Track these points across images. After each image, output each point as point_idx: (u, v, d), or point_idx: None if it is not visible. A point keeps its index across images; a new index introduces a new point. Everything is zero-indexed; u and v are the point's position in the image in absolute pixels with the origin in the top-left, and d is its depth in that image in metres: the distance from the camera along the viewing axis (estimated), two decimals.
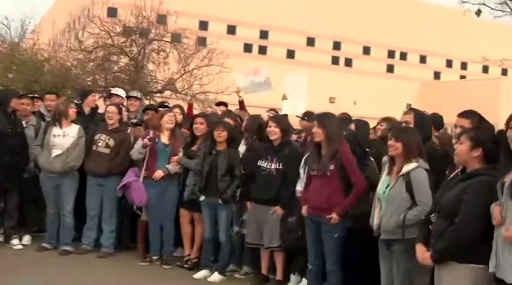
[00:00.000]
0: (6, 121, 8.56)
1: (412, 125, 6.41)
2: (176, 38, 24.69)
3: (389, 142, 5.72)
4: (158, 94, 22.65)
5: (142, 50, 22.75)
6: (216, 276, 7.65)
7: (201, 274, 7.77)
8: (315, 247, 6.64)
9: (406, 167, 5.56)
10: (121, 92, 10.08)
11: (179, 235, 8.45)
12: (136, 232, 8.70)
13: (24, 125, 8.86)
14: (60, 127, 8.51)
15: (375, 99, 47.39)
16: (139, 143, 8.21)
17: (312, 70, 34.50)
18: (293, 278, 7.38)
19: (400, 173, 5.59)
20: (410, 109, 7.25)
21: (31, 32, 31.54)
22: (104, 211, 8.62)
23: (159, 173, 8.15)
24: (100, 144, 8.58)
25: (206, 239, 7.90)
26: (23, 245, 8.80)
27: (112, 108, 8.77)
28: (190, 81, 23.11)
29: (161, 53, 23.40)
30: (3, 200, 8.76)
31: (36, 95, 10.27)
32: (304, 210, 6.69)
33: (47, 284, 7.15)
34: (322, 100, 39.02)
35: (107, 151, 8.56)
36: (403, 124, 6.63)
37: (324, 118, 6.64)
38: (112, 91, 10.20)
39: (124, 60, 22.85)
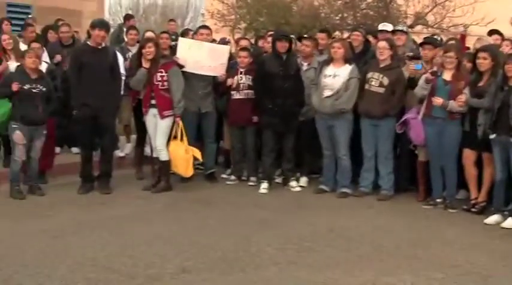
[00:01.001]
0: (277, 64, 8.52)
1: None
2: None
3: None
4: (409, 30, 21.71)
5: None
6: (510, 222, 7.02)
7: (492, 219, 7.19)
8: None
9: None
10: (388, 27, 9.59)
11: (461, 177, 7.90)
12: (414, 173, 8.33)
13: (305, 68, 8.76)
14: (332, 67, 8.26)
15: None
16: (422, 79, 7.69)
17: None
18: None
19: None
20: None
21: None
22: (380, 152, 8.29)
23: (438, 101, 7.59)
24: (373, 83, 8.21)
25: (497, 181, 7.25)
26: (300, 186, 8.85)
27: (383, 43, 8.34)
28: (442, 13, 21.81)
29: None
30: (279, 143, 8.78)
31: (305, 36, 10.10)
32: None
33: (322, 226, 7.01)
34: None
35: (381, 90, 8.16)
36: None
37: None
38: (379, 27, 9.72)
39: None
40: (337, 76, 8.22)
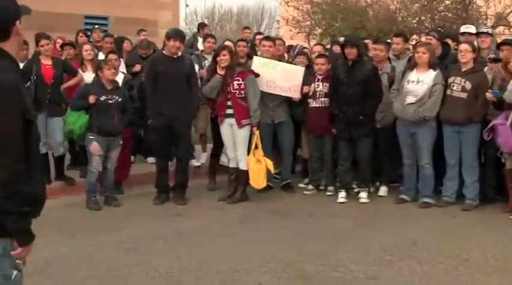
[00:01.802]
0: (344, 70, 8.31)
1: None
2: None
3: None
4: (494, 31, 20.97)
5: None
6: None
7: None
8: None
9: None
10: (471, 29, 9.18)
11: None
12: (500, 182, 7.92)
13: (379, 73, 8.46)
14: (416, 73, 7.95)
15: None
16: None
17: None
18: None
19: None
20: None
21: None
22: (465, 159, 7.92)
23: None
24: (455, 88, 7.86)
25: None
26: (379, 196, 8.58)
27: (465, 46, 7.97)
28: None
29: None
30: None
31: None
32: None
33: (404, 238, 6.68)
34: None
35: (464, 95, 7.80)
36: None
37: None
38: (462, 29, 9.33)
39: None
40: (420, 82, 7.90)
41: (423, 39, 8.94)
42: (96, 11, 13.57)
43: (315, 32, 23.26)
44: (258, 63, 8.66)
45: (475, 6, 21.56)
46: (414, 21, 21.03)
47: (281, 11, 28.58)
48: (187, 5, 32.89)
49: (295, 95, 8.63)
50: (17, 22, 2.93)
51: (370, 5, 22.08)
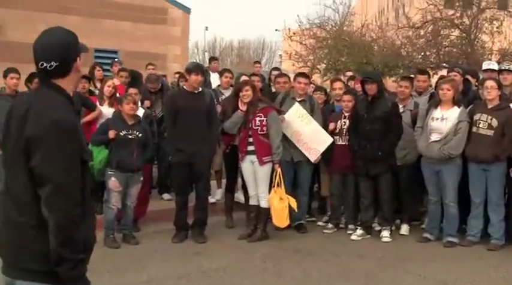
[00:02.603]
0: (364, 106, 8.23)
1: None
2: (503, 5, 22.79)
3: None
4: None
5: (474, 21, 21.24)
6: None
7: None
8: None
9: None
10: (494, 65, 9.12)
11: None
12: None
13: (401, 110, 8.34)
14: (440, 110, 7.83)
15: None
16: None
17: None
18: None
19: None
20: None
21: (351, 14, 31.65)
22: (491, 198, 7.77)
23: None
24: (481, 125, 7.76)
25: None
26: (401, 235, 8.41)
27: (491, 83, 7.87)
28: None
29: (494, 22, 21.62)
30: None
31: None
32: None
33: (433, 280, 6.52)
34: None
35: (490, 132, 7.70)
36: None
37: None
38: (484, 66, 9.25)
39: (455, 33, 21.59)
40: (445, 119, 7.78)
41: (450, 74, 8.76)
42: (106, 44, 13.52)
43: (318, 67, 23.30)
44: (295, 112, 8.48)
45: (480, 42, 21.67)
46: (419, 56, 21.09)
47: (284, 45, 28.72)
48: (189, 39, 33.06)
49: (312, 158, 8.50)
50: (78, 59, 2.82)
51: (375, 39, 22.22)
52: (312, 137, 8.44)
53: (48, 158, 2.63)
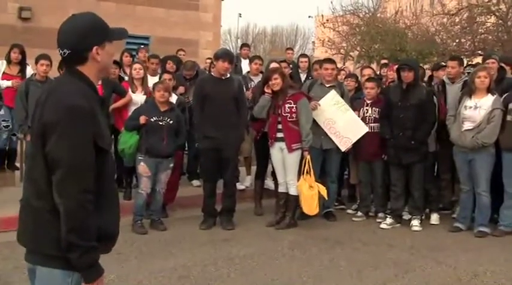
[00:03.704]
0: (398, 94, 8.12)
1: None
2: None
3: None
4: None
5: (511, 7, 20.81)
6: None
7: None
8: None
9: None
10: None
11: None
12: None
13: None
14: (473, 98, 7.70)
15: None
16: None
17: None
18: None
19: None
20: None
21: (385, 1, 31.29)
22: None
23: None
24: None
25: None
26: (431, 224, 8.33)
27: None
28: None
29: None
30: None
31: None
32: None
33: (465, 271, 6.40)
34: None
35: None
36: None
37: None
38: None
39: (491, 20, 21.19)
40: (478, 107, 7.65)
41: (487, 61, 8.56)
42: (138, 30, 13.50)
43: (351, 54, 23.13)
44: (331, 99, 8.39)
45: None
46: (454, 44, 20.76)
47: (317, 32, 28.54)
48: (221, 25, 33.04)
49: (343, 147, 8.41)
50: (95, 48, 2.78)
51: (409, 27, 21.96)
52: (346, 126, 8.35)
53: (60, 143, 2.61)
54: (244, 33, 35.87)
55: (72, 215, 2.59)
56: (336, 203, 9.05)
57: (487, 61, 8.64)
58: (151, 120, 7.62)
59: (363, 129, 8.39)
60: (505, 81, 8.51)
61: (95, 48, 2.78)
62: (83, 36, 2.76)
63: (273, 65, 9.00)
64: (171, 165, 7.83)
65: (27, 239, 2.77)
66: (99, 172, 2.71)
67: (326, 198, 8.13)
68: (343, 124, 8.34)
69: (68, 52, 2.76)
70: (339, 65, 14.53)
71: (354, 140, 8.38)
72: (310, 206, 7.82)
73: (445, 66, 9.03)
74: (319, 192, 7.85)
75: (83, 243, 2.61)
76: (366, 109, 8.43)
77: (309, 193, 7.77)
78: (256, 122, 8.36)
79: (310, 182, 7.82)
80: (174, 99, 8.34)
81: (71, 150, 2.61)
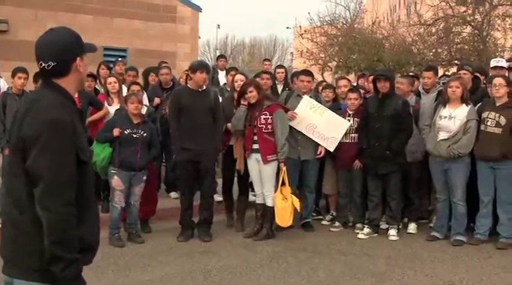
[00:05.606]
0: (374, 104, 8.18)
1: None
2: None
3: None
4: None
5: (486, 18, 21.06)
6: None
7: None
8: None
9: None
10: (502, 62, 9.00)
11: None
12: None
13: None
14: (448, 108, 7.76)
15: None
16: None
17: None
18: None
19: None
20: None
21: (362, 11, 31.51)
22: (500, 197, 7.67)
23: None
24: (489, 123, 7.65)
25: None
26: (408, 233, 8.36)
27: (499, 80, 7.74)
28: None
29: (507, 19, 21.42)
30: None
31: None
32: None
33: (442, 279, 6.44)
34: None
35: (498, 130, 7.59)
36: None
37: None
38: (492, 64, 9.13)
39: (467, 30, 21.41)
40: (453, 117, 7.72)
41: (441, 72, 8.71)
42: (115, 43, 13.51)
43: (329, 65, 23.22)
44: (306, 104, 8.41)
45: (492, 39, 21.48)
46: (431, 54, 20.95)
47: (295, 43, 28.65)
48: (199, 37, 33.04)
49: (330, 148, 8.42)
50: (78, 59, 2.83)
51: (386, 37, 22.10)
52: (327, 126, 8.37)
53: (42, 157, 2.62)
54: (222, 45, 36.00)
55: (55, 228, 2.60)
56: (314, 214, 9.06)
57: (460, 72, 8.74)
58: (125, 132, 7.59)
59: (344, 124, 8.43)
60: (479, 90, 8.60)
61: (78, 59, 2.83)
62: (66, 47, 2.81)
63: (238, 77, 8.78)
64: (145, 178, 7.79)
65: (7, 251, 2.77)
66: (80, 184, 2.73)
67: (299, 210, 8.12)
68: (325, 125, 8.36)
69: (53, 64, 2.78)
70: (317, 76, 14.62)
71: (339, 137, 8.39)
72: (283, 217, 7.81)
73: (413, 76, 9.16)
74: (292, 204, 7.84)
75: (67, 255, 2.62)
76: (348, 120, 8.46)
77: (282, 205, 7.77)
78: (223, 135, 8.34)
79: (286, 194, 7.81)
80: (143, 110, 8.29)
81: (53, 164, 2.62)
